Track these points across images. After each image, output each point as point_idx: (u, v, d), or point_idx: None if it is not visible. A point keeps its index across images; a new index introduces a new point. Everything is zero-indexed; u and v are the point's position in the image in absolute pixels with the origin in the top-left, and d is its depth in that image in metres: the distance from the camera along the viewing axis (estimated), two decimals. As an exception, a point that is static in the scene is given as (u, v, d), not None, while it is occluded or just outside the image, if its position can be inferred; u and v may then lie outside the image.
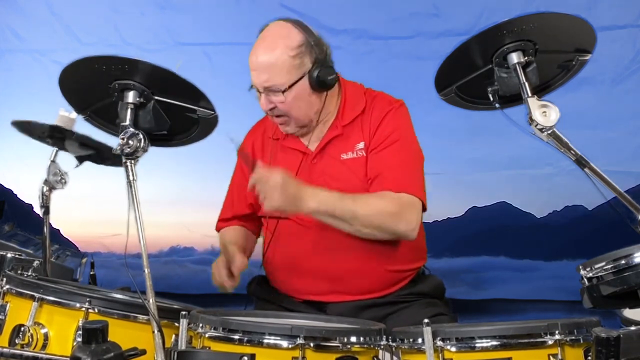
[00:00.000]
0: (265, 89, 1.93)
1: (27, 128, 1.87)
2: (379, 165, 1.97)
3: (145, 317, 1.52)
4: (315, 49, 1.95)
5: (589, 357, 1.35)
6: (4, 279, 1.62)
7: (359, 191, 1.96)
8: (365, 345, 1.41)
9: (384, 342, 1.44)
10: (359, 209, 1.87)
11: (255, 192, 1.82)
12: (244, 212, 2.22)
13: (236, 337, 1.38)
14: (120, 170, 1.55)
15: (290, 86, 1.91)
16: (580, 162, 1.47)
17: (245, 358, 1.32)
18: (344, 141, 2.04)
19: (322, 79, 1.95)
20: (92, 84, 1.66)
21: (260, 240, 2.26)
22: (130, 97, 1.60)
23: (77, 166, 1.95)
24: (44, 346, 1.50)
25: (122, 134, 1.53)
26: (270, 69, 1.90)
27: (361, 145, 2.02)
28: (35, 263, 1.96)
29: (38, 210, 1.97)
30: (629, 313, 2.00)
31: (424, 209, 2.01)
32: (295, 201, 1.81)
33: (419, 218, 1.96)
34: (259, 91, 1.96)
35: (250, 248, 2.21)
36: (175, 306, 1.68)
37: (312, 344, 1.35)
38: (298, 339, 1.34)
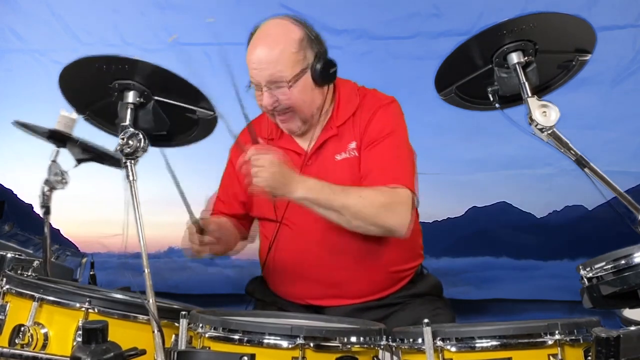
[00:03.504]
0: (268, 84, 1.91)
1: (29, 127, 1.87)
2: (371, 162, 1.96)
3: (145, 317, 1.52)
4: (315, 43, 1.96)
5: (589, 357, 1.35)
6: (4, 279, 1.62)
7: None
8: (365, 345, 1.42)
9: (384, 342, 1.44)
10: (349, 200, 1.84)
11: (245, 173, 1.79)
12: (234, 211, 2.19)
13: (236, 337, 1.38)
14: (121, 170, 1.55)
15: (295, 79, 1.91)
16: (580, 162, 1.47)
17: (245, 358, 1.32)
18: (338, 142, 2.03)
19: (324, 72, 1.96)
20: (92, 83, 1.65)
21: (258, 244, 2.24)
22: (130, 97, 1.60)
23: (75, 166, 1.95)
24: (44, 346, 1.50)
25: (122, 134, 1.53)
26: (274, 64, 1.90)
27: (353, 145, 2.01)
28: (35, 263, 1.96)
29: (38, 210, 1.97)
30: (629, 313, 2.00)
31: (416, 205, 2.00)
32: (285, 183, 1.79)
33: (411, 213, 1.94)
34: (259, 89, 1.95)
35: (227, 239, 2.10)
36: (175, 306, 1.68)
37: (312, 344, 1.35)
38: (298, 339, 1.34)
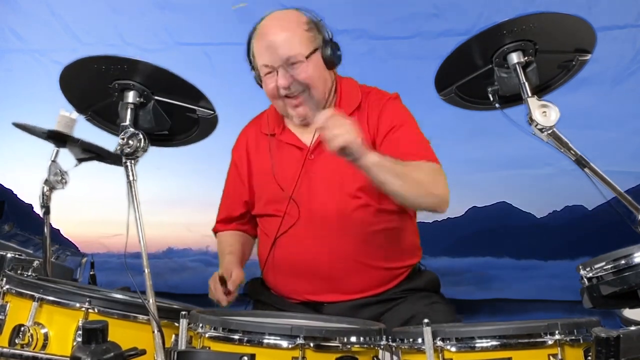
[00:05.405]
0: (285, 62, 1.94)
1: (28, 128, 1.87)
2: (397, 146, 1.96)
3: (145, 317, 1.52)
4: (322, 27, 2.02)
5: (589, 357, 1.35)
6: (4, 279, 1.62)
7: (358, 184, 1.96)
8: (365, 345, 1.41)
9: (384, 342, 1.44)
10: (406, 168, 1.83)
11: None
12: (240, 211, 2.22)
13: (236, 337, 1.38)
14: (121, 170, 1.55)
15: (311, 54, 1.96)
16: (580, 162, 1.47)
17: (245, 358, 1.32)
18: None
19: (333, 55, 2.00)
20: (92, 84, 1.65)
21: (257, 241, 2.25)
22: (130, 97, 1.61)
23: (76, 165, 1.95)
24: (44, 346, 1.49)
25: (122, 134, 1.53)
26: (289, 42, 1.94)
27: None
28: (35, 263, 1.96)
29: (38, 210, 1.97)
30: (629, 313, 2.00)
31: None
32: (361, 145, 1.70)
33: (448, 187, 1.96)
34: (271, 71, 1.95)
35: (248, 253, 2.22)
36: (175, 306, 1.68)
37: (312, 344, 1.35)
38: (298, 339, 1.34)
